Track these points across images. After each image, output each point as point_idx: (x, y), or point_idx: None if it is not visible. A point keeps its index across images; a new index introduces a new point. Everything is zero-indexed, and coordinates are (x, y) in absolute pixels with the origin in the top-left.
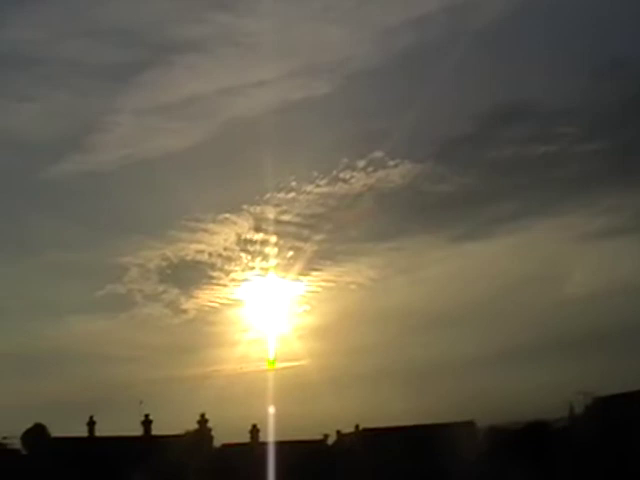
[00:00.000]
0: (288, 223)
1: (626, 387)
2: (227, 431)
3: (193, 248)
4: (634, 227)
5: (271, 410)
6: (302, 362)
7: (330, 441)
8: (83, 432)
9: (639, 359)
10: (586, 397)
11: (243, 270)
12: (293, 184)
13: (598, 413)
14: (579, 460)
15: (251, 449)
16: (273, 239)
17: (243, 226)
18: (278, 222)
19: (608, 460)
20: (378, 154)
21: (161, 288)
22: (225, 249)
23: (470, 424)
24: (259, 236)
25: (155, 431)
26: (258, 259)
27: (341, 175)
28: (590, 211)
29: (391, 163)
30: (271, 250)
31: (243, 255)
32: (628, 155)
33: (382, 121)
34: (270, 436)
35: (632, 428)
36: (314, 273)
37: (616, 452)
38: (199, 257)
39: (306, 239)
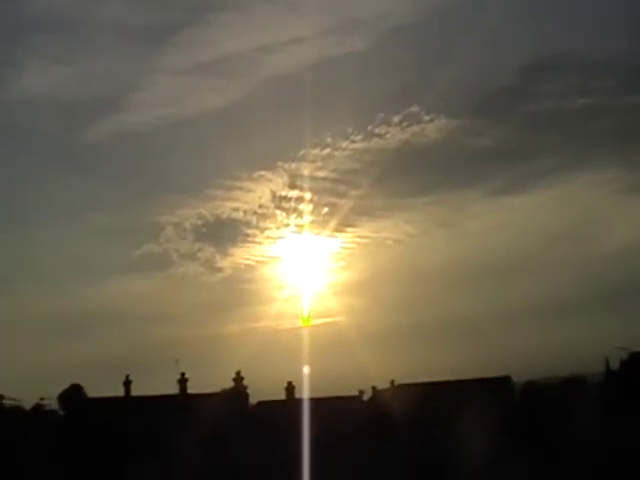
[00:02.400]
0: (323, 179)
1: None
2: (263, 388)
3: (228, 206)
4: None
5: (306, 367)
6: (337, 318)
7: (366, 397)
8: (119, 392)
9: None
10: (623, 352)
11: (278, 227)
12: (328, 140)
13: (634, 368)
14: (613, 415)
15: (287, 406)
16: (308, 196)
17: (278, 183)
18: (313, 178)
19: None
20: (414, 109)
21: (197, 247)
22: (260, 206)
23: (506, 379)
24: (294, 193)
25: (191, 389)
26: (293, 216)
27: (376, 130)
28: (629, 164)
29: (426, 118)
30: (306, 207)
31: (278, 212)
32: None
33: (418, 76)
34: (305, 393)
35: None
36: (349, 229)
37: None
38: (234, 215)
39: (341, 195)
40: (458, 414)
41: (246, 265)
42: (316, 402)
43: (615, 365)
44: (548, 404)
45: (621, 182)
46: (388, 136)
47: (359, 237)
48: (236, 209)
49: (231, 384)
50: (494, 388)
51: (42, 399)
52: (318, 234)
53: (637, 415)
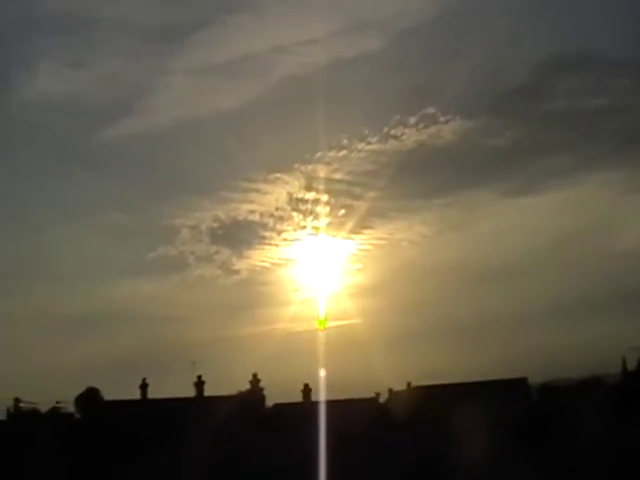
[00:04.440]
0: (339, 181)
1: None
2: (279, 391)
3: (245, 208)
4: None
5: (322, 369)
6: (354, 320)
7: (382, 399)
8: (136, 395)
9: None
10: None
11: (295, 229)
12: (344, 142)
13: None
14: (629, 417)
15: (303, 408)
16: (324, 198)
17: (294, 185)
18: (329, 180)
19: None
20: (430, 110)
21: (213, 249)
22: (277, 209)
23: (523, 381)
24: (310, 195)
25: (208, 392)
26: (309, 218)
27: (392, 132)
28: None
29: (442, 119)
30: (322, 209)
31: (295, 214)
32: None
33: (433, 77)
34: (322, 395)
35: None
36: (366, 231)
37: None
38: (251, 217)
39: (358, 197)
40: (474, 416)
41: (262, 267)
42: (332, 404)
43: (632, 366)
44: (564, 405)
45: (635, 182)
46: (404, 137)
47: (375, 239)
48: (252, 211)
49: (247, 386)
50: (510, 389)
51: (58, 402)
52: (334, 236)
53: None
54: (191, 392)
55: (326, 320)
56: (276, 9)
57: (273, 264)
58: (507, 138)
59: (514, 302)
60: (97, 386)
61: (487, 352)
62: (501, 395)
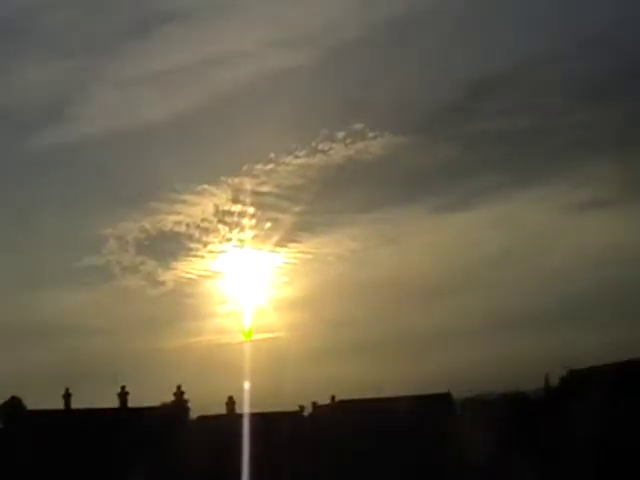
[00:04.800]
0: (266, 194)
1: (604, 359)
2: (204, 403)
3: (171, 219)
4: (617, 198)
5: (247, 382)
6: (279, 334)
7: (306, 412)
8: (59, 405)
9: (617, 332)
10: (563, 369)
11: (221, 242)
12: (272, 155)
13: (573, 385)
14: (556, 432)
15: (227, 421)
16: (251, 210)
17: (221, 197)
18: (256, 193)
19: (584, 432)
20: (358, 125)
21: (139, 260)
22: (203, 220)
23: (446, 395)
24: (237, 207)
25: (132, 403)
26: (236, 230)
27: (320, 146)
28: (573, 182)
29: (371, 135)
30: (249, 221)
31: (221, 226)
32: (612, 126)
33: (363, 92)
34: (246, 408)
35: (601, 400)
36: (292, 245)
37: (591, 425)
38: (177, 228)
39: (284, 210)
40: (398, 430)
41: (188, 279)
42: (257, 417)
43: (555, 382)
44: (488, 420)
45: (565, 200)
46: (332, 152)
47: (302, 253)
48: (179, 222)
49: (172, 398)
50: (435, 404)
51: None
52: (260, 249)
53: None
54: (115, 403)
55: (251, 333)
56: (209, 20)
57: (199, 276)
58: (438, 155)
59: (440, 318)
60: (20, 396)
61: (412, 367)
62: (425, 410)
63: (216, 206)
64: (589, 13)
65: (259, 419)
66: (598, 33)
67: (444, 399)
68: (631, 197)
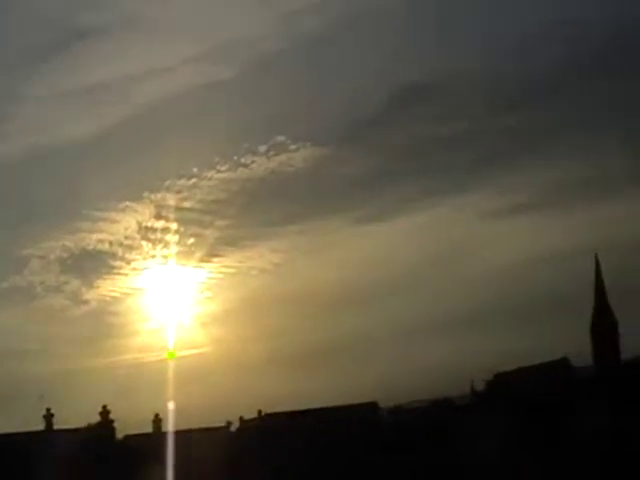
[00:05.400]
0: (189, 209)
1: (527, 362)
2: (130, 422)
3: (94, 238)
4: (537, 204)
5: (172, 399)
6: (205, 349)
7: (233, 428)
8: None
9: (540, 335)
10: (488, 373)
11: (144, 258)
12: (194, 170)
13: (499, 388)
14: (483, 437)
15: (154, 439)
16: (174, 226)
17: (144, 214)
18: (179, 209)
19: (511, 435)
20: (280, 138)
21: (62, 279)
22: (126, 237)
23: (373, 404)
24: (160, 223)
25: (57, 425)
26: (159, 247)
27: (242, 160)
28: (493, 189)
29: (293, 147)
30: (172, 237)
31: (144, 243)
32: (531, 134)
33: (285, 105)
34: (172, 425)
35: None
36: (216, 259)
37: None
38: (100, 247)
39: (208, 225)
40: (326, 440)
41: (112, 297)
42: (184, 434)
43: (481, 386)
44: (415, 427)
45: (486, 207)
46: (254, 166)
47: (225, 267)
48: (102, 240)
49: (98, 418)
50: (361, 413)
51: None
52: (184, 265)
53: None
54: (40, 425)
55: (176, 350)
56: (131, 36)
57: (123, 294)
58: (359, 166)
59: (364, 327)
60: None
61: (338, 377)
62: (352, 419)
63: (139, 223)
64: (507, 26)
65: (186, 436)
66: (516, 44)
67: (371, 408)
68: (549, 204)
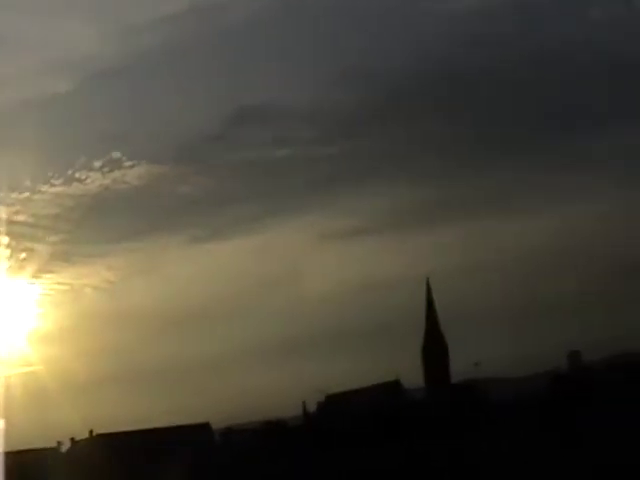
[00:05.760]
0: (21, 224)
1: (359, 383)
2: None
3: None
4: (373, 228)
5: (2, 419)
6: (36, 368)
7: (64, 448)
8: None
9: (373, 357)
10: (320, 394)
11: None
12: (27, 183)
13: (331, 409)
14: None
15: None
16: (5, 240)
17: None
18: (11, 222)
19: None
20: (116, 154)
21: None
22: None
23: (205, 425)
24: None
25: None
26: None
27: (77, 175)
28: (331, 213)
29: (128, 164)
30: (3, 252)
31: None
32: (366, 159)
33: (122, 122)
34: (2, 445)
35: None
36: (48, 275)
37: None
38: None
39: (40, 240)
40: (158, 461)
41: None
42: (12, 455)
43: (313, 407)
44: (248, 448)
45: (322, 229)
46: (89, 181)
47: (58, 284)
48: None
49: None
50: (194, 434)
51: None
52: (15, 280)
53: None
54: None
55: (6, 367)
56: None
57: None
58: (196, 185)
59: (200, 347)
60: None
61: (171, 397)
62: (185, 439)
63: None
64: (344, 48)
65: (14, 457)
66: (351, 67)
67: (203, 428)
68: (386, 228)
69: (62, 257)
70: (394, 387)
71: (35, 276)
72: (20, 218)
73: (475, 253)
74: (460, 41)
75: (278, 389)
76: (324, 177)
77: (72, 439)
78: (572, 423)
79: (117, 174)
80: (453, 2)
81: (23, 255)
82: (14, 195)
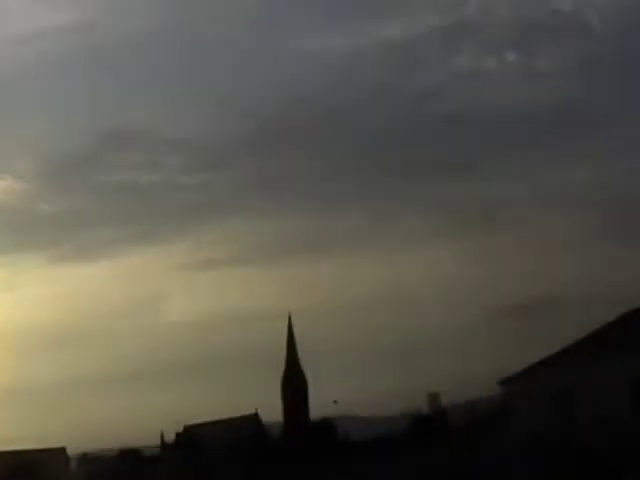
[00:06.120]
0: None
1: (218, 415)
2: None
3: None
4: (236, 259)
5: None
6: None
7: None
8: None
9: (233, 390)
10: (178, 425)
11: None
12: None
13: (188, 440)
14: None
15: None
16: None
17: None
18: None
19: None
20: None
21: None
22: None
23: (61, 450)
24: None
25: None
26: None
27: None
28: (195, 241)
29: None
30: None
31: None
32: (233, 190)
33: None
34: None
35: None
36: None
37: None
38: None
39: None
40: None
41: None
42: None
43: (171, 438)
44: (103, 475)
45: (184, 258)
46: None
47: None
48: None
49: None
50: (50, 459)
51: None
52: None
53: None
54: None
55: None
56: None
57: None
58: (61, 204)
59: (58, 370)
60: None
61: (24, 421)
62: (40, 464)
63: None
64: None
65: None
66: (225, 102)
67: (59, 454)
68: (248, 261)
69: None
70: (253, 420)
71: None
72: None
73: (339, 289)
74: (329, 81)
75: (137, 417)
76: (191, 206)
77: None
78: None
79: None
80: (325, 42)
81: None
82: None
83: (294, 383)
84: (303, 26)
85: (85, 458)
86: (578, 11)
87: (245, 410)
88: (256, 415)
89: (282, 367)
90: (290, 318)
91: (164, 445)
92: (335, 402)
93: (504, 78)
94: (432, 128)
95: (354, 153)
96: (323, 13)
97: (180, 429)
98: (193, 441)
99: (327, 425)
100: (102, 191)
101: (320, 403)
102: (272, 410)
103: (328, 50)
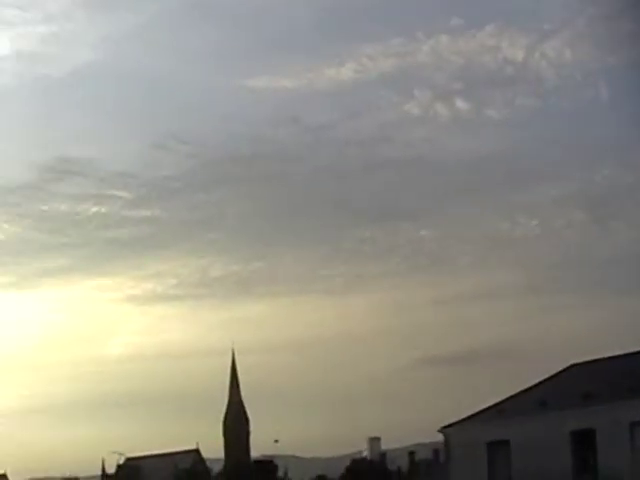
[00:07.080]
0: None
1: (160, 448)
2: None
3: None
4: (177, 294)
5: None
6: None
7: None
8: None
9: (175, 425)
10: (120, 456)
11: None
12: None
13: (129, 472)
14: None
15: None
16: None
17: None
18: None
19: None
20: None
21: None
22: None
23: (3, 477)
24: None
25: None
26: None
27: None
28: (137, 275)
29: None
30: None
31: None
32: (178, 225)
33: None
34: None
35: None
36: None
37: None
38: None
39: None
40: None
41: None
42: None
43: (112, 469)
44: None
45: (128, 291)
46: None
47: None
48: None
49: None
50: None
51: None
52: None
53: None
54: None
55: None
56: None
57: None
58: (3, 232)
59: (1, 399)
60: None
61: None
62: None
63: None
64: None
65: None
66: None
67: None
68: (196, 295)
69: None
70: (194, 455)
71: None
72: None
73: (285, 329)
74: (275, 120)
75: (79, 446)
76: (136, 239)
77: None
78: None
79: None
80: (275, 81)
81: None
82: None
83: (236, 420)
84: (254, 64)
85: None
86: (529, 61)
87: (186, 445)
88: (197, 450)
89: (225, 402)
90: (234, 354)
91: (105, 475)
92: (276, 441)
93: (454, 124)
94: (377, 172)
95: (298, 193)
96: (276, 52)
97: (122, 460)
98: (134, 473)
99: (268, 463)
100: (45, 220)
101: (261, 441)
102: (213, 445)
103: (277, 89)
